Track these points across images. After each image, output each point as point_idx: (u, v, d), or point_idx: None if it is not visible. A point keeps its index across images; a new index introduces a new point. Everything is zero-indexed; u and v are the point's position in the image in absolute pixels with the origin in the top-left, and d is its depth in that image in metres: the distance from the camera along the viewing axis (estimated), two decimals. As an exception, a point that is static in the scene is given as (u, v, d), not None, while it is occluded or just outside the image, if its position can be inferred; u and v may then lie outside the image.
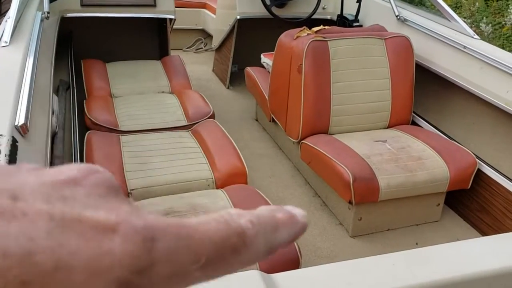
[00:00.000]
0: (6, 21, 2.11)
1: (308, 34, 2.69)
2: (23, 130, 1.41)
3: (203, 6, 5.32)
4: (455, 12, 2.96)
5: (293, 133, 2.76)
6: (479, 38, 2.71)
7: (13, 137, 1.33)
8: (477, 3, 7.50)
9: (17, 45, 1.96)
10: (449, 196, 2.54)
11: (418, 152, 2.44)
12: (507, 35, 6.28)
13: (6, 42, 1.94)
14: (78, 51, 3.57)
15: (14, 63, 1.80)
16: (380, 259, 0.85)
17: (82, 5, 3.30)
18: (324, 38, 2.63)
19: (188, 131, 2.62)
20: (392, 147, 2.48)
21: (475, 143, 2.57)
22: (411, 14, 3.17)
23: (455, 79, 2.66)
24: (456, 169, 2.36)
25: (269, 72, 3.39)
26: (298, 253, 1.72)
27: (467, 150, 2.46)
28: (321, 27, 2.78)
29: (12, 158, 1.24)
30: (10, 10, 2.19)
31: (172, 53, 3.86)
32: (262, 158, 3.11)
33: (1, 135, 1.31)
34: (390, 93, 2.74)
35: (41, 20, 2.38)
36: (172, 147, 2.38)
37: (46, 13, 2.46)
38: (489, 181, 2.39)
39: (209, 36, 5.29)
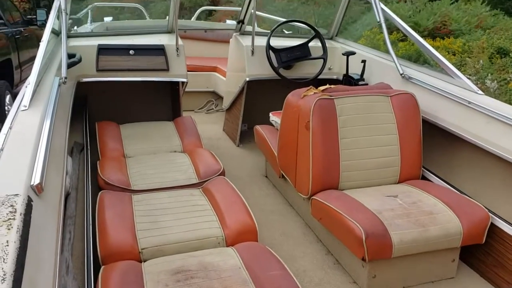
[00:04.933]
0: (26, 86, 2.22)
1: (314, 93, 2.77)
2: (38, 189, 1.45)
3: (214, 69, 5.53)
4: (459, 70, 3.04)
5: (303, 189, 2.77)
6: (483, 93, 2.77)
7: (28, 196, 1.37)
8: (481, 61, 7.69)
9: (36, 108, 2.06)
10: (463, 251, 2.48)
11: (429, 206, 2.42)
12: (513, 90, 6.37)
13: (26, 106, 2.04)
14: (92, 113, 3.70)
15: (32, 126, 1.88)
16: None
17: (98, 70, 3.46)
18: (331, 96, 2.71)
19: (199, 188, 2.65)
20: (403, 202, 2.47)
21: (487, 196, 2.55)
22: (415, 72, 3.26)
23: (462, 134, 2.69)
24: (469, 224, 2.33)
25: (277, 130, 3.46)
26: None
27: (479, 204, 2.44)
28: (327, 86, 2.87)
29: (27, 217, 1.27)
30: (30, 76, 2.31)
31: (184, 114, 3.98)
32: (273, 214, 3.10)
33: (17, 194, 1.35)
34: (399, 149, 2.77)
35: (59, 85, 2.50)
36: (182, 205, 2.40)
37: (63, 79, 2.58)
38: (503, 235, 2.35)
39: (219, 97, 5.46)
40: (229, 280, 1.81)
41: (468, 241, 2.35)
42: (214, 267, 1.89)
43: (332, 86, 2.87)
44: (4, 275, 1.02)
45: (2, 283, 1.00)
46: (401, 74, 3.25)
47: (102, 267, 1.92)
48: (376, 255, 2.21)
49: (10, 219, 1.23)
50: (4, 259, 1.08)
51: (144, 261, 1.99)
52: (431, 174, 2.89)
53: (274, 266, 1.90)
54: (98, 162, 2.89)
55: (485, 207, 2.41)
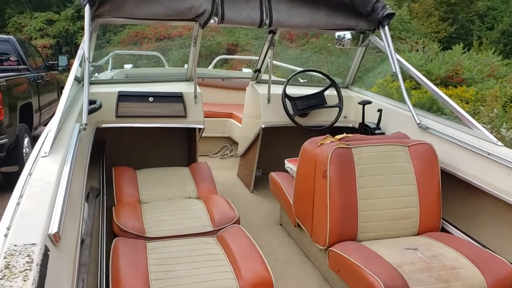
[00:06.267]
0: (47, 133, 2.25)
1: (331, 141, 2.77)
2: (55, 238, 1.43)
3: (229, 116, 5.60)
4: (473, 118, 3.03)
5: (320, 239, 2.71)
6: (502, 144, 2.74)
7: (45, 246, 1.35)
8: (495, 110, 7.67)
9: (56, 155, 2.07)
10: None
11: (451, 260, 2.35)
12: (530, 139, 6.31)
13: (46, 153, 2.06)
14: (110, 158, 3.73)
15: (52, 173, 1.89)
16: None
17: (118, 116, 3.52)
18: (348, 145, 2.70)
19: (214, 237, 2.61)
20: (423, 255, 2.40)
21: (511, 251, 2.46)
22: (431, 122, 3.25)
23: (482, 185, 2.64)
24: (493, 280, 2.24)
25: (293, 177, 3.44)
26: None
27: (503, 259, 2.35)
28: (344, 134, 2.86)
29: (43, 268, 1.25)
30: (51, 122, 2.34)
31: (199, 159, 3.99)
32: (288, 265, 3.03)
33: (34, 243, 1.34)
34: (418, 199, 2.72)
35: (79, 132, 2.53)
36: (197, 254, 2.36)
37: (84, 125, 2.62)
38: None
39: (234, 143, 5.49)
40: None
41: None
42: (229, 322, 1.82)
43: (349, 135, 2.87)
44: None
45: None
46: (418, 124, 3.24)
47: None
48: None
49: (26, 269, 1.21)
50: None
51: None
52: (451, 226, 2.81)
53: None
54: (113, 208, 2.88)
55: (510, 263, 2.33)
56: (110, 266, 2.19)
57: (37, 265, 1.25)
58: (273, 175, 3.59)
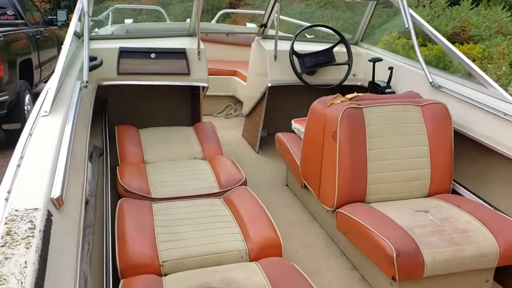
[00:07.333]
0: (47, 91, 2.16)
1: (342, 101, 2.67)
2: (58, 203, 1.37)
3: (234, 73, 5.45)
4: (480, 77, 2.91)
5: (327, 201, 2.66)
6: (519, 104, 2.64)
7: (48, 211, 1.29)
8: (503, 68, 7.50)
9: (57, 114, 1.99)
10: (498, 270, 2.35)
11: (463, 223, 2.30)
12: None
13: (46, 112, 1.97)
14: (112, 117, 3.64)
15: (53, 132, 1.81)
16: None
17: (119, 73, 3.40)
18: (359, 105, 2.60)
19: (220, 198, 2.56)
20: (435, 218, 2.35)
21: None
22: (445, 80, 3.14)
23: (496, 147, 2.56)
24: (506, 243, 2.20)
25: (300, 138, 3.36)
26: None
27: None
28: (355, 94, 2.76)
29: (46, 234, 1.20)
30: (51, 79, 2.24)
31: (203, 118, 3.90)
32: (294, 226, 3.00)
33: (37, 208, 1.27)
34: (429, 161, 2.65)
35: (80, 89, 2.43)
36: (204, 216, 2.32)
37: (85, 82, 2.52)
38: None
39: (238, 102, 5.38)
40: None
41: (504, 262, 2.22)
42: (238, 285, 1.80)
43: (359, 94, 2.77)
44: None
45: None
46: (430, 83, 3.13)
47: (122, 281, 1.84)
48: (407, 275, 2.10)
49: (29, 236, 1.15)
50: (22, 283, 1.00)
51: (165, 275, 1.91)
52: (462, 188, 2.76)
53: (302, 286, 1.80)
54: (117, 167, 2.83)
55: None
56: (116, 228, 2.15)
57: (39, 232, 1.19)
58: (280, 135, 3.51)
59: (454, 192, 2.76)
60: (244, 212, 2.32)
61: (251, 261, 2.05)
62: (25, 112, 5.22)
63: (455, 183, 2.77)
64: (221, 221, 2.28)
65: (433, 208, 2.47)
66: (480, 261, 2.18)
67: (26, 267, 1.05)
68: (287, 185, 3.59)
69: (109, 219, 2.20)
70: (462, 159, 2.84)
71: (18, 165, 1.52)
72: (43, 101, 2.08)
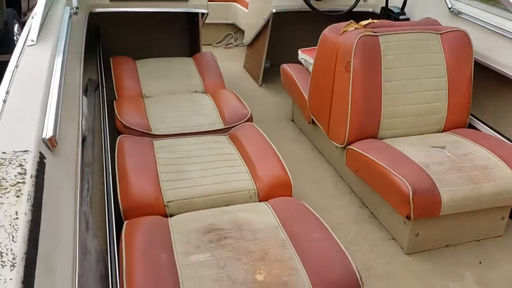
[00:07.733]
0: (33, 18, 1.94)
1: (356, 28, 2.46)
2: (51, 144, 1.22)
3: None
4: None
5: (337, 137, 2.53)
6: (548, 32, 2.43)
7: (40, 152, 1.15)
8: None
9: (45, 43, 1.79)
10: None
11: (482, 160, 2.19)
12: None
13: (33, 41, 1.77)
14: (106, 47, 3.42)
15: (42, 64, 1.63)
16: None
17: None
18: (375, 32, 2.39)
19: (225, 135, 2.42)
20: (452, 154, 2.23)
21: None
22: (466, 6, 2.89)
23: None
24: None
25: (308, 69, 3.17)
26: (359, 280, 1.51)
27: None
28: (370, 20, 2.54)
29: (39, 179, 1.06)
30: (37, 5, 2.02)
31: (202, 48, 3.67)
32: (301, 163, 2.90)
33: (27, 150, 1.13)
34: (447, 93, 2.48)
35: (70, 16, 2.21)
36: (209, 154, 2.19)
37: (75, 9, 2.29)
38: None
39: (239, 30, 5.09)
40: (266, 242, 1.63)
41: None
42: (248, 226, 1.70)
43: (375, 20, 2.54)
44: (14, 259, 0.82)
45: (11, 269, 0.80)
46: (449, 8, 2.88)
47: (125, 222, 1.74)
48: (423, 214, 2.02)
49: (19, 182, 1.01)
50: (13, 236, 0.87)
51: (170, 216, 1.81)
52: (479, 122, 2.62)
53: (315, 226, 1.71)
54: (114, 102, 2.66)
55: None
56: (116, 166, 2.03)
57: (31, 177, 1.05)
58: (285, 67, 3.30)
59: (471, 126, 2.62)
60: (252, 150, 2.19)
61: (260, 201, 1.95)
62: (15, 42, 4.94)
63: (471, 117, 2.63)
64: (228, 159, 2.15)
65: (450, 144, 2.34)
66: (498, 199, 2.09)
67: (17, 218, 0.92)
68: (292, 121, 3.44)
69: (109, 157, 2.07)
70: (482, 92, 2.68)
71: (4, 101, 1.36)
72: (29, 29, 1.87)
